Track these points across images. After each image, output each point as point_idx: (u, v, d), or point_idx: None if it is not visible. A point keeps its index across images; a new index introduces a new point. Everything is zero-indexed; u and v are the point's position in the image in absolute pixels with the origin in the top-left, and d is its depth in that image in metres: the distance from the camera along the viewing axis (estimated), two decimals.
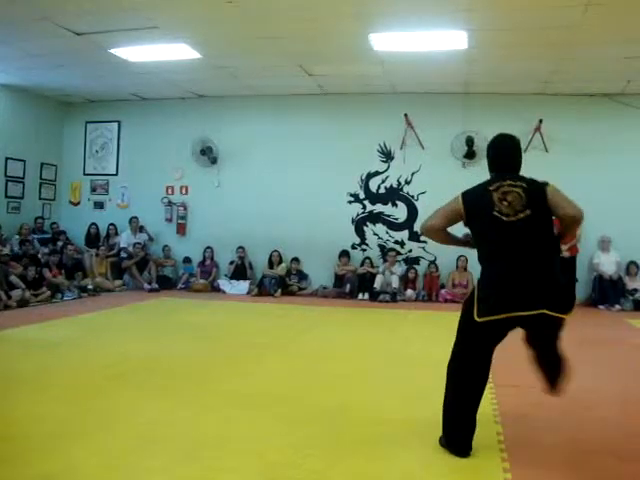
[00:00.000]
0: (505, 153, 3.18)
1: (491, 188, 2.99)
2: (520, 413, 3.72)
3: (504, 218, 2.89)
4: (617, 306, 8.98)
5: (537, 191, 2.95)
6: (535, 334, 3.05)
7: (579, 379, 3.41)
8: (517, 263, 2.87)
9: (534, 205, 2.91)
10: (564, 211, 2.91)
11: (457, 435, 2.96)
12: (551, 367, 3.14)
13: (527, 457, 2.96)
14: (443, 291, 9.60)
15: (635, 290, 9.10)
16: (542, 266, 2.88)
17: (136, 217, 10.62)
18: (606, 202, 9.33)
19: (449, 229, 3.16)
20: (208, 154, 10.49)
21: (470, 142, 9.61)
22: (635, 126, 9.38)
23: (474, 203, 3.03)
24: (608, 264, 9.31)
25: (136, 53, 8.01)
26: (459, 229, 3.16)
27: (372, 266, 9.81)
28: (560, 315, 2.84)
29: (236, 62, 8.59)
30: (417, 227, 9.98)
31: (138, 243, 10.35)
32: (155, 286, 10.01)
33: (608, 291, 9.16)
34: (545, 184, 3.00)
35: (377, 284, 9.43)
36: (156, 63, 8.47)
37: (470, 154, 9.66)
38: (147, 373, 4.61)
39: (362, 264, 9.88)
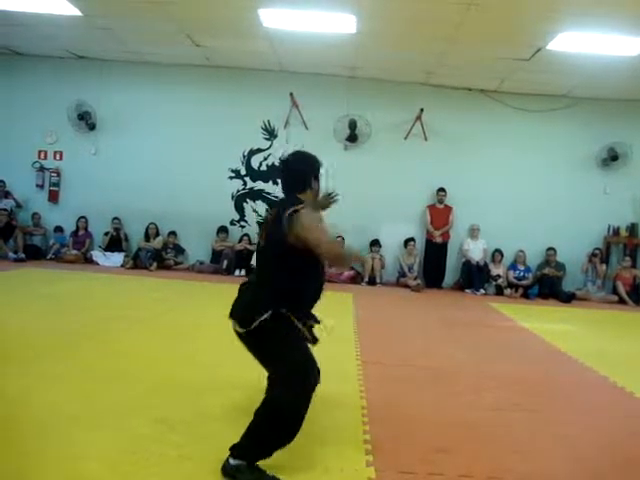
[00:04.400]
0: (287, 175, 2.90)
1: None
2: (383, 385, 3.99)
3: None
4: (482, 290, 9.46)
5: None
6: None
7: (441, 357, 3.84)
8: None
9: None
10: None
11: None
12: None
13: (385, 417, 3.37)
14: None
15: (498, 276, 9.63)
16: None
17: (2, 181, 9.92)
18: (477, 192, 9.81)
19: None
20: (86, 119, 9.98)
21: (353, 125, 9.74)
22: (504, 121, 9.90)
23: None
24: (476, 251, 9.78)
25: (8, 1, 7.41)
26: None
27: (250, 243, 9.72)
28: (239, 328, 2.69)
29: (121, 25, 8.21)
30: None
31: (4, 209, 9.69)
32: (22, 256, 9.41)
33: (474, 276, 9.62)
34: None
35: (254, 261, 9.33)
36: (31, 15, 7.88)
37: (352, 137, 9.80)
38: (3, 346, 4.27)
39: (240, 240, 9.78)
